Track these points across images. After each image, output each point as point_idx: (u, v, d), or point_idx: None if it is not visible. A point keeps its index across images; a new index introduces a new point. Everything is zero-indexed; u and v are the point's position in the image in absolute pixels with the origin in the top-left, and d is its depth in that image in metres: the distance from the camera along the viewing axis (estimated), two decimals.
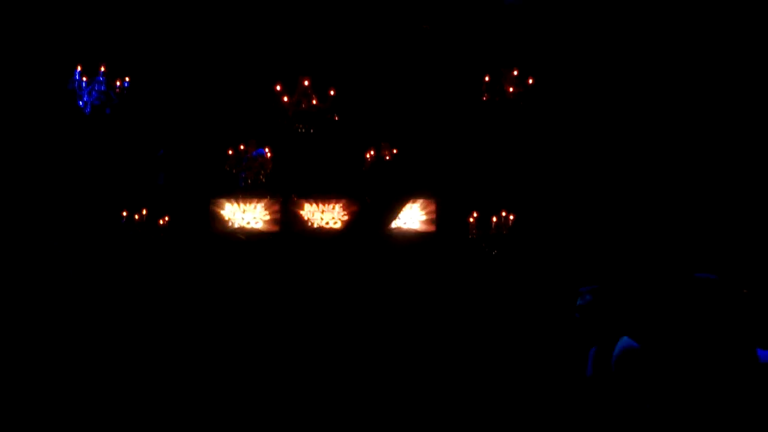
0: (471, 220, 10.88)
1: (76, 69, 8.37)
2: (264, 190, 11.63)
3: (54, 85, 9.83)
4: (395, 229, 11.67)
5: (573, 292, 5.10)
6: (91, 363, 9.83)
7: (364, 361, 10.35)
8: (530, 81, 8.73)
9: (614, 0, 9.71)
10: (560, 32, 10.20)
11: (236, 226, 11.90)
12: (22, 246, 10.69)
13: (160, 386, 9.49)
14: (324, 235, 11.93)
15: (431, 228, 11.89)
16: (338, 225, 11.95)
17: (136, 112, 10.74)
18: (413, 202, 11.68)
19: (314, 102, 8.76)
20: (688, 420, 3.36)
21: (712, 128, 10.72)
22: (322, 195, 12.03)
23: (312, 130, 9.09)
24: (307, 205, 12.04)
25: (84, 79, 8.20)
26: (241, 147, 10.67)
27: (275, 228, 12.00)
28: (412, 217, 11.85)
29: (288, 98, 8.70)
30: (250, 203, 11.93)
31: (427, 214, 11.90)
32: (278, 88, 8.71)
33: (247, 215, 11.95)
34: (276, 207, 12.03)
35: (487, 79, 8.86)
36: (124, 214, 10.64)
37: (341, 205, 12.05)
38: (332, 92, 8.79)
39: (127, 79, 8.63)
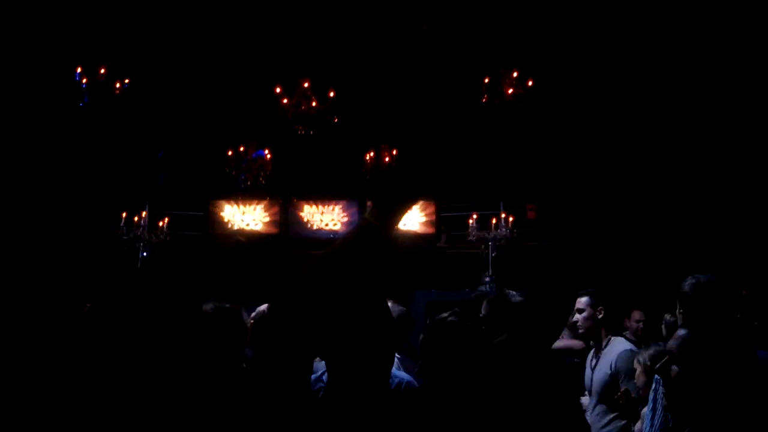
0: (470, 221, 10.88)
1: (77, 70, 8.38)
2: (264, 192, 11.63)
3: (54, 86, 9.84)
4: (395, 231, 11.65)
5: (572, 293, 5.08)
6: (91, 363, 9.81)
7: (363, 359, 10.32)
8: (530, 83, 8.74)
9: (613, 1, 9.73)
10: (560, 34, 10.21)
11: (236, 227, 11.89)
12: (22, 247, 10.69)
13: (158, 386, 9.46)
14: (323, 236, 11.92)
15: (431, 230, 11.89)
16: (338, 227, 11.93)
17: (136, 113, 10.74)
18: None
19: (314, 104, 8.78)
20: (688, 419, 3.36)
21: (712, 128, 10.73)
22: (321, 196, 12.02)
23: (311, 132, 9.11)
24: (306, 207, 12.03)
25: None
26: (241, 148, 10.68)
27: (275, 230, 11.99)
28: (412, 218, 11.85)
29: (288, 100, 8.72)
30: (249, 205, 11.93)
31: (426, 215, 11.89)
32: (278, 90, 8.73)
33: (246, 217, 11.95)
34: (275, 209, 12.03)
35: (486, 80, 8.87)
36: (124, 215, 10.63)
37: (341, 206, 12.04)
38: (332, 94, 8.81)
39: (127, 80, 8.65)
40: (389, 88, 11.09)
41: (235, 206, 11.94)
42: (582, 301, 4.52)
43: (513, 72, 8.72)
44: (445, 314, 3.03)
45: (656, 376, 3.52)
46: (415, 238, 11.44)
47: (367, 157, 10.93)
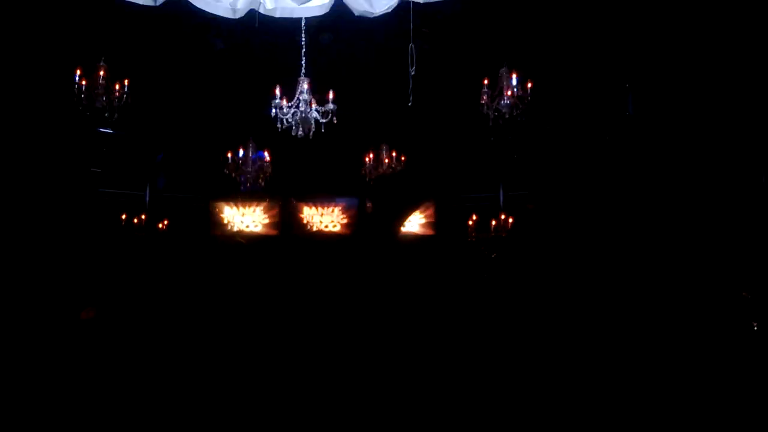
0: (470, 223, 10.89)
1: (76, 72, 8.38)
2: (263, 194, 11.64)
3: (54, 88, 9.84)
4: (396, 233, 11.69)
5: (571, 293, 5.09)
6: (91, 363, 9.83)
7: (362, 363, 10.34)
8: (529, 84, 8.74)
9: (612, 3, 9.73)
10: (559, 35, 10.22)
11: (236, 229, 11.89)
12: (23, 248, 10.69)
13: (159, 388, 9.48)
14: (323, 238, 11.94)
15: (430, 231, 11.90)
16: (337, 228, 11.95)
17: (135, 115, 10.74)
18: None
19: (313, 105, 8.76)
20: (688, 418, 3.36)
21: (711, 129, 10.74)
22: (321, 198, 12.04)
23: (311, 133, 9.09)
24: (306, 209, 12.04)
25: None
26: (241, 150, 10.68)
27: (274, 231, 12.00)
28: (412, 220, 11.86)
29: (287, 101, 8.70)
30: (249, 206, 11.94)
31: (426, 217, 11.90)
32: (277, 91, 8.72)
33: (246, 218, 11.95)
34: (275, 210, 12.04)
35: (486, 82, 8.87)
36: (124, 217, 10.65)
37: (340, 208, 12.05)
38: (331, 95, 8.79)
39: (126, 82, 8.64)
40: (389, 90, 11.09)
41: (235, 208, 11.94)
42: None
43: (512, 74, 8.71)
44: None
45: None
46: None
47: (367, 159, 10.94)
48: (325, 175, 11.96)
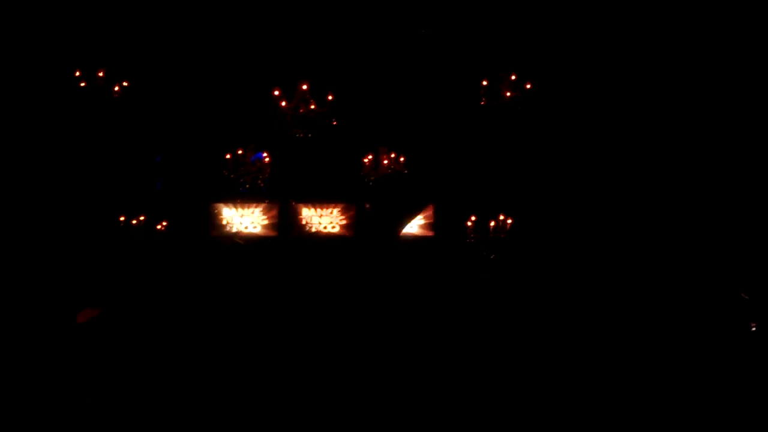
0: (469, 224, 10.89)
1: (75, 73, 8.37)
2: (262, 195, 11.64)
3: (53, 89, 9.83)
4: (396, 235, 11.71)
5: (570, 294, 5.10)
6: (90, 364, 9.82)
7: (362, 364, 10.34)
8: (528, 85, 8.74)
9: (611, 4, 9.74)
10: (558, 37, 10.23)
11: (234, 230, 11.89)
12: (22, 249, 10.68)
13: (158, 389, 9.47)
14: (322, 239, 11.93)
15: (429, 233, 11.90)
16: (336, 229, 11.95)
17: (134, 117, 10.75)
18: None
19: (312, 107, 8.76)
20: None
21: (710, 129, 10.76)
22: (320, 199, 12.04)
23: (310, 135, 9.09)
24: (305, 210, 12.04)
25: None
26: (240, 152, 10.67)
27: (273, 233, 12.00)
28: (411, 221, 11.87)
29: (286, 103, 8.70)
30: (248, 208, 11.94)
31: (425, 218, 11.91)
32: (276, 93, 8.71)
33: (245, 220, 11.95)
34: (274, 211, 12.04)
35: (485, 83, 8.87)
36: (122, 218, 10.63)
37: (339, 209, 12.05)
38: (330, 97, 8.79)
39: (125, 83, 8.63)
40: (388, 92, 11.10)
41: (234, 209, 11.94)
42: None
43: (511, 75, 8.72)
44: None
45: None
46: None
47: (366, 160, 10.93)
48: (324, 176, 11.96)
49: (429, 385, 9.90)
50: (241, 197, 11.67)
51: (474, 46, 10.23)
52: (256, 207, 11.98)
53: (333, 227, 12.01)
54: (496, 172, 11.58)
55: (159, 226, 10.88)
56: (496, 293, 11.32)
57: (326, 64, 10.34)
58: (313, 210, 12.04)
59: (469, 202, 11.20)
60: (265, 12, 9.95)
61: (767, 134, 10.34)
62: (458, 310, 11.26)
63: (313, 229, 12.00)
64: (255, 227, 12.00)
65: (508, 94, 8.62)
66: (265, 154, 10.82)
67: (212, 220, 11.93)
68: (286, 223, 12.00)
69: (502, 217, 10.86)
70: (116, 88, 8.56)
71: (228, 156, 10.63)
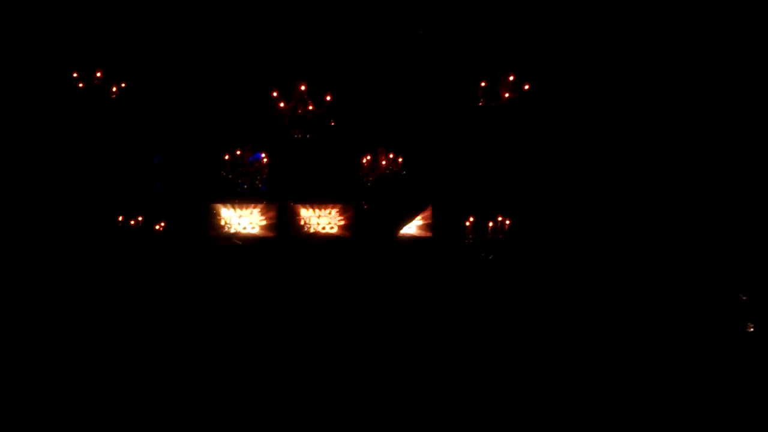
0: (467, 224, 10.88)
1: (73, 74, 8.37)
2: (261, 196, 11.63)
3: (51, 91, 9.82)
4: (395, 235, 11.72)
5: (568, 295, 5.11)
6: (90, 365, 9.81)
7: (360, 363, 10.34)
8: (526, 86, 8.74)
9: (609, 6, 9.75)
10: (556, 38, 10.24)
11: (233, 231, 11.88)
12: (21, 250, 10.67)
13: (157, 387, 9.48)
14: (320, 239, 11.93)
15: (428, 233, 11.90)
16: (334, 230, 11.95)
17: (132, 117, 10.74)
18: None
19: (310, 107, 8.75)
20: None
21: (709, 129, 10.77)
22: (318, 200, 12.03)
23: (308, 136, 9.09)
24: (303, 210, 12.03)
25: None
26: (238, 152, 10.65)
27: (272, 233, 11.99)
28: (409, 222, 11.86)
29: (284, 104, 8.70)
30: (246, 208, 11.93)
31: (423, 219, 11.90)
32: (275, 93, 8.71)
33: (243, 220, 11.94)
34: (272, 212, 12.03)
35: (483, 84, 8.87)
36: (120, 219, 10.62)
37: (337, 210, 12.05)
38: (328, 98, 8.78)
39: (123, 84, 8.63)
40: (386, 93, 11.10)
41: (232, 209, 11.93)
42: None
43: (509, 76, 8.72)
44: None
45: None
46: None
47: (364, 161, 10.92)
48: (323, 177, 11.95)
49: (427, 384, 9.90)
50: (240, 198, 11.66)
51: (472, 47, 10.23)
52: (254, 207, 11.97)
53: (331, 228, 12.00)
54: (494, 173, 11.58)
55: (157, 227, 10.86)
56: (494, 294, 11.32)
57: (324, 64, 10.33)
58: (311, 210, 12.03)
59: (468, 203, 11.19)
60: (264, 13, 9.95)
61: (763, 136, 10.36)
62: (456, 310, 11.26)
63: (312, 230, 11.99)
64: (253, 228, 12.00)
65: (507, 95, 8.62)
66: (263, 155, 10.80)
67: (211, 221, 11.92)
68: (284, 223, 11.99)
69: (500, 218, 10.85)
70: (114, 89, 8.56)
71: (226, 156, 10.61)
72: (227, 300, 11.22)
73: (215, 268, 11.60)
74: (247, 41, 10.44)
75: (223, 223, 11.95)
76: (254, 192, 11.07)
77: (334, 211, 12.03)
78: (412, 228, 11.89)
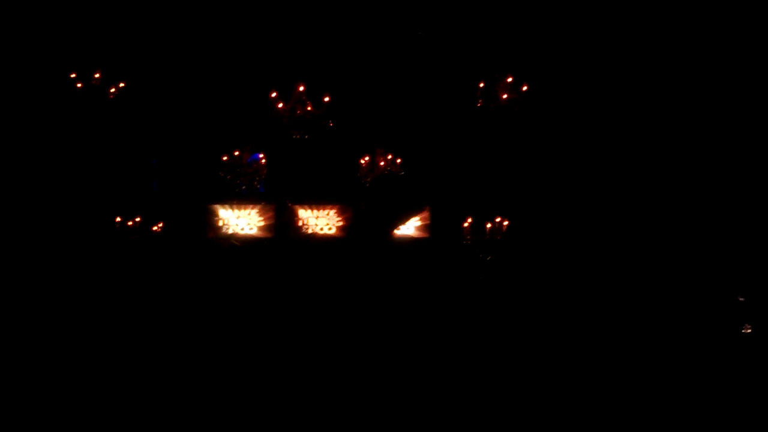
0: (465, 225, 10.89)
1: (71, 74, 8.36)
2: (259, 196, 11.63)
3: (49, 91, 9.81)
4: (391, 236, 11.71)
5: (566, 297, 5.11)
6: (88, 365, 9.81)
7: (358, 364, 10.34)
8: (524, 88, 8.75)
9: (607, 8, 9.77)
10: (554, 39, 10.25)
11: (231, 232, 11.87)
12: (18, 251, 10.66)
13: (155, 388, 9.47)
14: (318, 240, 11.92)
15: (425, 234, 11.90)
16: (333, 231, 11.94)
17: (131, 118, 10.73)
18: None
19: (309, 108, 8.75)
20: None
21: (708, 130, 10.79)
22: (316, 201, 12.02)
23: (307, 137, 9.09)
24: (301, 211, 12.03)
25: None
26: (236, 153, 10.65)
27: (270, 234, 11.98)
28: (408, 223, 11.86)
29: (283, 105, 8.70)
30: (245, 209, 11.92)
31: (421, 220, 11.91)
32: (273, 94, 8.71)
33: (241, 221, 11.93)
34: (270, 213, 12.01)
35: (481, 85, 8.88)
36: (118, 219, 10.61)
37: (335, 210, 12.04)
38: (327, 98, 8.78)
39: (121, 84, 8.62)
40: (384, 94, 11.10)
41: (230, 210, 11.92)
42: None
43: (508, 77, 8.73)
44: None
45: None
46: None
47: (363, 162, 10.92)
48: (321, 177, 11.95)
49: (425, 384, 9.91)
50: (238, 198, 11.64)
51: (470, 48, 10.25)
52: (252, 208, 11.96)
53: (329, 229, 12.00)
54: (492, 174, 11.58)
55: (155, 228, 10.86)
56: (492, 295, 11.32)
57: (323, 65, 10.34)
58: (309, 211, 12.03)
59: (466, 204, 11.20)
60: (262, 14, 9.95)
61: (761, 139, 10.38)
62: (454, 311, 11.26)
63: (310, 231, 11.98)
64: (252, 229, 11.98)
65: (505, 96, 8.63)
66: (261, 156, 10.80)
67: (209, 222, 11.90)
68: (282, 224, 11.98)
69: (498, 219, 10.85)
70: (113, 89, 8.55)
71: (225, 157, 10.61)
72: (225, 301, 11.21)
73: (213, 268, 11.58)
74: (246, 42, 10.44)
75: (221, 223, 11.93)
76: (252, 193, 11.07)
77: (332, 212, 12.03)
78: (411, 229, 11.89)
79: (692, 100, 10.64)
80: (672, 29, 9.96)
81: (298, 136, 9.09)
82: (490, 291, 11.31)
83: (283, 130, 9.03)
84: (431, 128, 11.43)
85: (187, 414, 8.97)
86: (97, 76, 8.52)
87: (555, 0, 9.85)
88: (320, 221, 12.02)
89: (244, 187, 10.83)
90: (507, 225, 10.89)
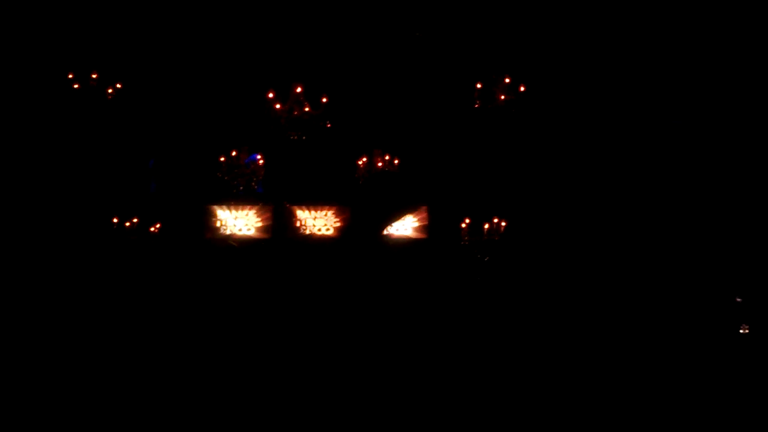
0: (463, 226, 10.89)
1: (68, 75, 8.36)
2: (256, 197, 11.62)
3: (46, 92, 9.80)
4: (386, 235, 11.68)
5: (565, 297, 5.11)
6: (85, 367, 9.78)
7: (355, 366, 10.32)
8: (522, 88, 8.77)
9: (605, 8, 9.77)
10: (552, 40, 10.25)
11: (228, 232, 11.87)
12: (14, 252, 10.64)
13: (153, 388, 9.45)
14: (316, 241, 11.92)
15: (423, 235, 11.89)
16: (330, 231, 11.94)
17: (128, 118, 10.72)
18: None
19: (307, 109, 8.77)
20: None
21: (707, 130, 10.80)
22: (314, 201, 12.01)
23: (304, 137, 9.10)
24: (299, 212, 12.02)
25: None
26: (234, 154, 10.66)
27: (267, 235, 11.97)
28: (404, 223, 11.85)
29: (281, 105, 8.71)
30: (242, 210, 11.91)
31: (419, 220, 11.90)
32: (271, 95, 8.72)
33: (239, 222, 11.92)
34: (268, 214, 12.00)
35: (479, 86, 8.90)
36: (115, 220, 10.61)
37: (333, 211, 12.03)
38: (325, 99, 8.80)
39: (119, 85, 8.63)
40: (382, 94, 11.10)
41: (228, 211, 11.91)
42: None
43: (505, 78, 8.75)
44: None
45: None
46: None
47: (360, 163, 10.94)
48: (319, 178, 11.94)
49: (423, 387, 9.91)
50: (236, 199, 11.63)
51: (468, 49, 10.25)
52: (250, 209, 11.94)
53: (327, 229, 11.99)
54: (490, 175, 11.59)
55: (153, 229, 10.84)
56: (490, 296, 11.32)
57: (320, 66, 10.34)
58: (307, 212, 12.01)
59: (464, 205, 11.20)
60: (260, 14, 9.95)
61: (759, 140, 10.39)
62: (452, 312, 11.26)
63: (307, 231, 11.97)
64: (249, 229, 11.97)
65: (503, 96, 8.66)
66: (259, 156, 10.81)
67: (206, 223, 11.89)
68: (280, 225, 11.97)
69: (496, 220, 10.87)
70: (110, 90, 8.55)
71: (222, 158, 10.62)
72: (223, 301, 11.19)
73: (211, 269, 11.57)
74: (243, 43, 10.43)
75: (218, 224, 11.92)
76: (250, 193, 11.07)
77: (330, 213, 12.01)
78: (408, 229, 11.88)
79: (691, 101, 10.65)
80: (672, 29, 9.96)
81: (295, 137, 9.11)
82: (488, 291, 11.31)
83: (281, 130, 9.05)
84: (429, 129, 11.43)
85: (186, 414, 8.95)
86: (94, 76, 8.52)
87: (553, 0, 9.85)
88: (318, 222, 12.01)
89: (241, 188, 10.84)
90: (505, 226, 10.90)
